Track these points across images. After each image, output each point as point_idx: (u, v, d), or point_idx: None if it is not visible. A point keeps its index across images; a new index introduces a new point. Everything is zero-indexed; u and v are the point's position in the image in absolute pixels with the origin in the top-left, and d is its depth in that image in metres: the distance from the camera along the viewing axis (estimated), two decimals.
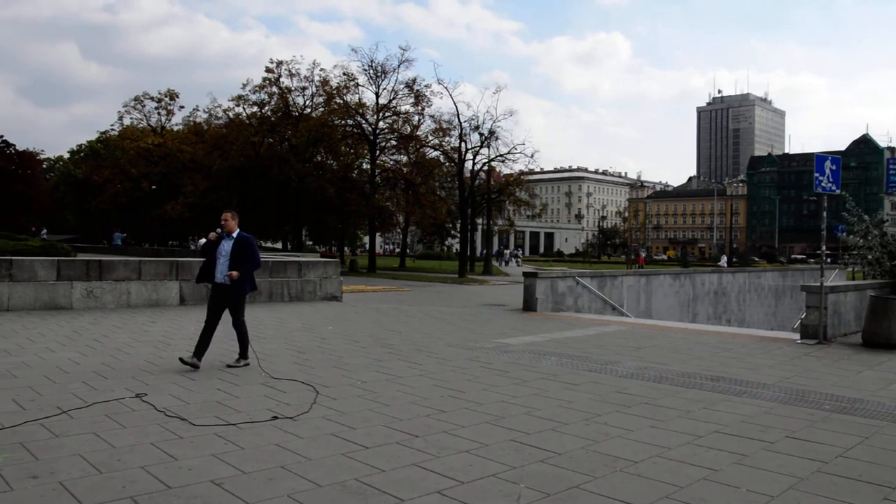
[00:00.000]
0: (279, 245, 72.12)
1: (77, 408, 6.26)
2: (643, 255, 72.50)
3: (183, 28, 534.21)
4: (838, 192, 13.08)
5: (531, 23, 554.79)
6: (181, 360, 8.35)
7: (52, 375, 7.78)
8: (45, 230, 63.13)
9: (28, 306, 14.12)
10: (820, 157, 12.83)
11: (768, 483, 4.74)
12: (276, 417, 6.14)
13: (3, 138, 52.77)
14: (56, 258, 15.55)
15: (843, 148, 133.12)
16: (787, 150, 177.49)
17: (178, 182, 55.88)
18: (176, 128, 67.33)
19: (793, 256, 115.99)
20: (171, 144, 61.80)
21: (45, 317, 13.17)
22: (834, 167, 12.83)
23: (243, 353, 8.65)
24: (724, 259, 65.64)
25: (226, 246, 8.42)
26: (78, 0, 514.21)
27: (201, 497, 4.25)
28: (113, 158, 65.95)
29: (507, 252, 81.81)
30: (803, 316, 13.20)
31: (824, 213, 13.13)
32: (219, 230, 8.48)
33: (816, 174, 12.66)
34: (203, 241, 8.37)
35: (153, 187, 61.47)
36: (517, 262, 72.30)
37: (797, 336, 12.89)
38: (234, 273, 8.28)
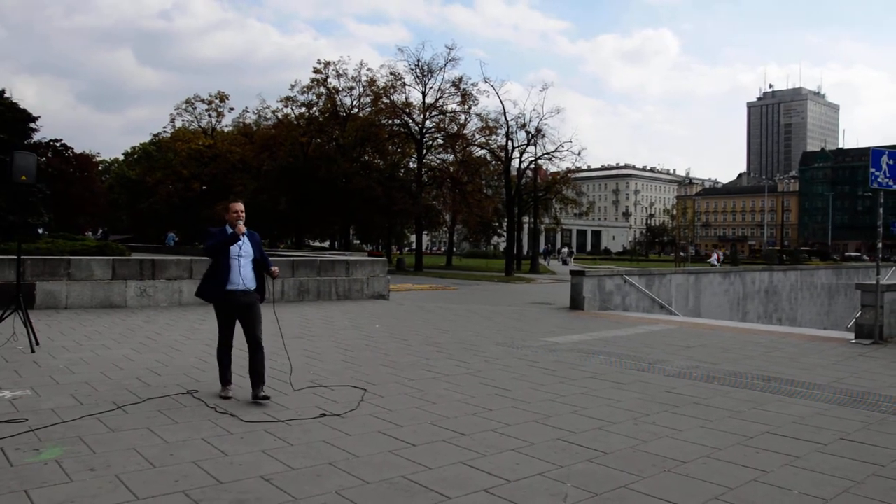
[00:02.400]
0: (326, 244, 72.87)
1: (131, 403, 6.42)
2: (719, 253, 70.57)
3: (234, 32, 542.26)
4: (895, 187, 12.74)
5: (578, 21, 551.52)
6: (221, 395, 6.81)
7: (108, 372, 7.98)
8: (101, 230, 64.69)
9: (85, 304, 14.50)
10: (876, 152, 12.49)
11: (821, 486, 4.64)
12: (324, 415, 6.22)
13: (62, 142, 54.07)
14: (111, 258, 15.96)
15: None
16: (841, 145, 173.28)
17: (227, 182, 56.69)
18: (226, 129, 68.30)
19: (846, 254, 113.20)
20: (221, 145, 62.73)
21: (100, 315, 13.50)
22: (891, 162, 12.48)
23: (263, 379, 6.80)
24: (715, 256, 64.39)
25: (245, 244, 6.79)
26: (135, 7, 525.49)
27: (251, 492, 4.33)
28: (165, 160, 67.18)
29: (564, 250, 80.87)
30: (858, 315, 12.88)
31: (880, 210, 12.79)
32: (240, 225, 6.70)
33: (872, 169, 12.34)
34: (217, 239, 6.56)
35: (204, 188, 62.45)
36: (571, 260, 71.42)
37: (851, 336, 12.58)
38: (277, 269, 6.90)
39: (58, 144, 53.16)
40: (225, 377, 6.89)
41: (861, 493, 4.54)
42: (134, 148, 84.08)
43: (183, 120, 67.55)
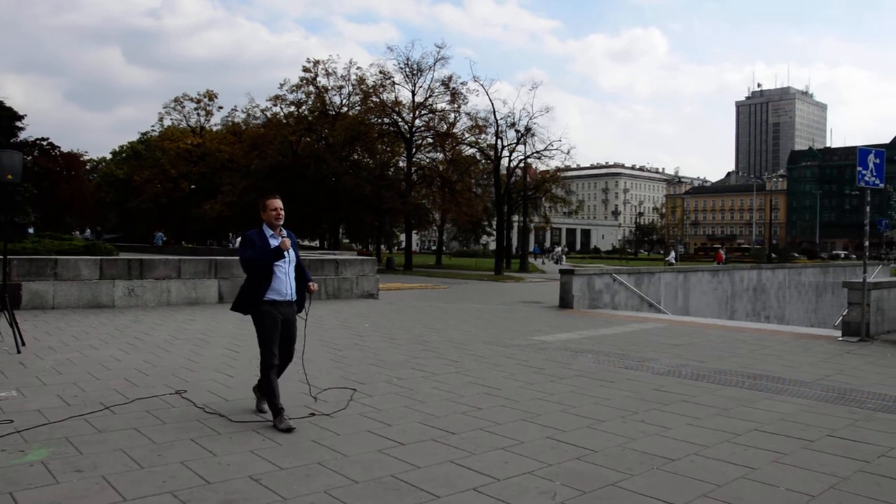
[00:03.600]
0: (316, 243, 72.68)
1: (119, 404, 6.38)
2: (722, 253, 70.57)
3: (224, 31, 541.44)
4: (882, 186, 12.82)
5: (567, 21, 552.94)
6: (282, 429, 5.63)
7: (96, 372, 7.94)
8: (91, 230, 64.36)
9: (72, 304, 14.42)
10: (863, 151, 12.58)
11: (808, 482, 4.67)
12: (312, 414, 6.20)
13: (49, 141, 53.84)
14: (99, 257, 15.88)
15: (887, 141, 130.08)
16: (828, 144, 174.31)
17: (216, 181, 56.50)
18: (215, 128, 68.04)
19: (834, 252, 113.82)
20: (210, 144, 62.50)
21: (87, 315, 13.44)
22: (878, 161, 12.58)
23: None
24: (673, 255, 64.71)
25: (291, 251, 5.90)
26: (123, 5, 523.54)
27: (239, 492, 4.31)
28: (153, 159, 66.93)
29: (558, 249, 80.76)
30: (845, 313, 12.96)
31: (867, 208, 12.88)
32: (285, 240, 5.79)
33: (859, 168, 12.43)
34: (257, 250, 5.56)
35: (192, 187, 62.23)
36: (565, 258, 71.33)
37: (839, 333, 12.66)
38: (314, 285, 6.20)
39: (44, 143, 52.96)
40: (278, 404, 5.73)
41: (847, 489, 4.56)
42: (122, 147, 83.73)
43: (171, 119, 67.35)
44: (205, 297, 16.23)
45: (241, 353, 9.46)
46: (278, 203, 5.84)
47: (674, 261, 57.78)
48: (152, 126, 71.71)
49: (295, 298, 5.98)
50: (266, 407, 5.93)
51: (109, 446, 5.13)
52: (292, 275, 5.91)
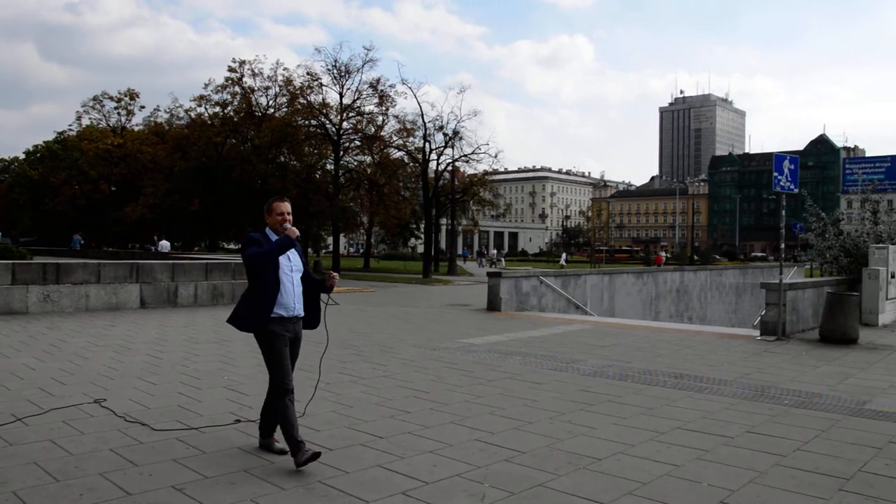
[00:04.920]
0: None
1: (33, 415, 6.12)
2: (662, 255, 71.81)
3: (148, 30, 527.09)
4: (797, 191, 13.31)
5: (495, 27, 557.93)
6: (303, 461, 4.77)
7: (6, 382, 7.60)
8: (8, 233, 61.82)
9: None
10: (779, 157, 13.05)
11: (729, 477, 4.80)
12: (238, 421, 6.08)
13: None
14: (11, 262, 15.22)
15: (799, 148, 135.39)
16: (747, 150, 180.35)
17: (138, 183, 55.08)
18: (136, 128, 66.29)
19: (753, 254, 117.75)
20: (132, 145, 60.84)
21: None
22: (792, 167, 13.06)
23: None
24: (564, 257, 66.69)
25: (294, 254, 5.15)
26: (37, 1, 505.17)
27: (163, 503, 4.19)
28: (71, 159, 64.78)
29: (494, 252, 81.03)
30: (763, 313, 13.41)
31: (783, 212, 13.35)
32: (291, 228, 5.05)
33: (776, 173, 12.88)
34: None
35: (112, 189, 60.46)
36: (503, 261, 71.73)
37: (757, 333, 13.09)
38: (336, 276, 5.35)
39: None
40: (297, 435, 4.87)
41: (765, 482, 4.71)
42: (37, 146, 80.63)
43: (90, 118, 65.18)
44: (126, 302, 15.75)
45: (164, 359, 9.23)
46: (286, 206, 5.10)
47: (564, 262, 59.66)
48: (70, 125, 69.42)
49: (303, 314, 5.19)
50: (276, 444, 5.18)
51: (21, 459, 4.91)
52: (299, 286, 5.14)
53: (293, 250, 5.07)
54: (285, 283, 5.00)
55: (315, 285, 5.29)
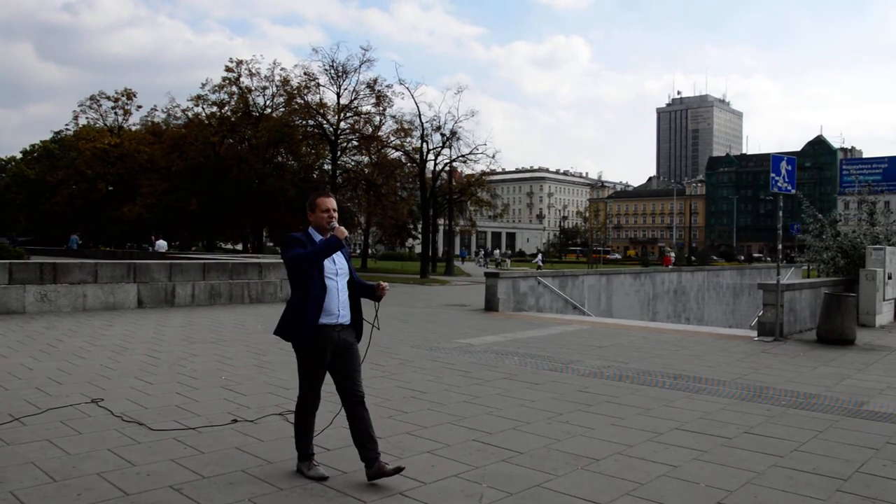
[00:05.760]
0: (239, 246, 71.45)
1: (30, 414, 6.11)
2: (671, 255, 71.36)
3: (145, 29, 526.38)
4: (794, 192, 13.33)
5: (492, 28, 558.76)
6: (311, 476, 4.70)
7: (4, 381, 7.59)
8: (6, 235, 61.69)
9: None
10: (776, 158, 13.06)
11: (726, 478, 4.80)
12: (235, 420, 6.07)
13: None
14: (8, 261, 15.20)
15: (796, 149, 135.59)
16: (744, 151, 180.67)
17: (135, 183, 55.04)
18: (133, 128, 66.23)
19: (752, 255, 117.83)
20: (129, 145, 60.79)
21: None
22: (789, 168, 13.07)
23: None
24: (540, 258, 66.64)
25: (339, 257, 4.70)
26: (35, 0, 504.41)
27: (160, 503, 4.18)
28: (68, 159, 64.68)
29: (497, 252, 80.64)
30: (760, 313, 13.43)
31: (780, 213, 13.36)
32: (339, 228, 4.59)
33: (773, 174, 12.89)
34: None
35: (110, 188, 60.36)
36: (508, 262, 71.55)
37: (754, 333, 13.10)
38: (385, 285, 4.90)
39: None
40: (308, 449, 4.80)
41: (762, 482, 4.72)
42: (33, 146, 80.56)
43: (87, 117, 65.15)
44: (123, 301, 15.73)
45: (162, 359, 9.22)
46: (332, 202, 4.67)
47: (541, 263, 59.77)
48: (66, 125, 69.29)
49: (349, 321, 4.73)
50: (387, 466, 4.61)
51: (18, 459, 4.91)
52: (345, 291, 4.70)
53: (339, 254, 4.64)
54: (331, 289, 4.57)
55: (363, 290, 4.83)
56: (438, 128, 47.69)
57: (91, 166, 60.94)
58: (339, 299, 4.62)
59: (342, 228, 4.55)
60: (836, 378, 8.74)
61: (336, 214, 4.68)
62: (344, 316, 4.66)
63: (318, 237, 4.64)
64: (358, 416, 4.66)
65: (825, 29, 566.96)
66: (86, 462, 4.89)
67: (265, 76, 51.44)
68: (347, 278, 4.72)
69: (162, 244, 37.19)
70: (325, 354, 4.63)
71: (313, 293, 4.51)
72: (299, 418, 4.80)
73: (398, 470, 4.57)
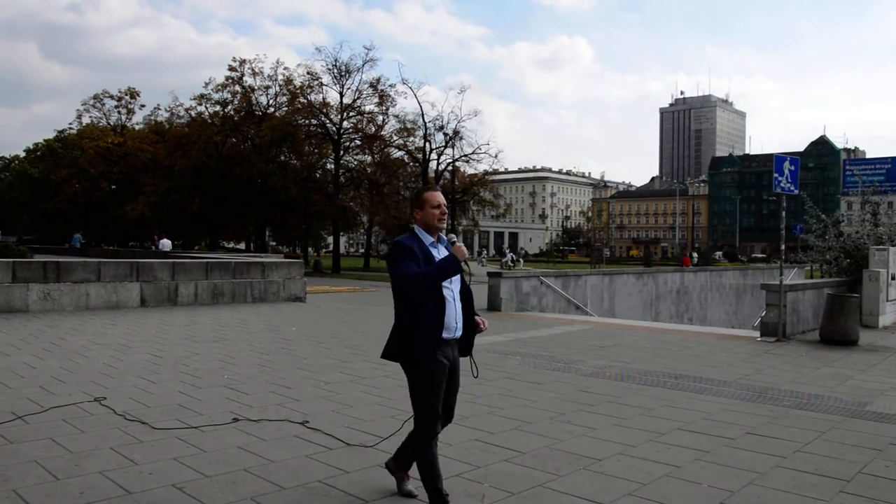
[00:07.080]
0: (242, 245, 71.44)
1: (33, 413, 6.12)
2: (693, 256, 70.66)
3: (150, 29, 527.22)
4: (797, 192, 13.31)
5: (495, 28, 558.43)
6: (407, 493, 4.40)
7: (7, 380, 7.60)
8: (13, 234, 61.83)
9: None
10: (779, 158, 13.04)
11: (729, 478, 4.79)
12: (237, 419, 6.07)
13: None
14: (11, 260, 15.23)
15: (799, 149, 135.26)
16: (747, 151, 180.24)
17: (138, 182, 55.01)
18: (137, 127, 66.20)
19: (754, 255, 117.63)
20: (132, 144, 60.74)
21: None
22: (793, 168, 13.05)
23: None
24: (510, 256, 66.24)
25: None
26: (40, 0, 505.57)
27: (162, 501, 4.18)
28: (71, 158, 64.67)
29: (509, 254, 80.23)
30: (763, 314, 13.41)
31: (783, 213, 13.35)
32: (459, 245, 4.07)
33: (776, 175, 12.88)
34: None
35: (113, 187, 60.38)
36: (521, 263, 71.19)
37: (757, 334, 13.09)
38: (485, 321, 4.49)
39: None
40: (442, 488, 4.11)
41: (765, 483, 4.71)
42: (37, 144, 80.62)
43: (91, 116, 65.10)
44: (126, 300, 15.75)
45: (165, 358, 9.23)
46: (442, 197, 4.21)
47: (511, 263, 59.80)
48: (70, 124, 69.22)
49: (461, 335, 4.25)
50: (407, 484, 4.40)
51: (21, 458, 4.91)
52: (460, 301, 4.20)
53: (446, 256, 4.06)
54: (448, 301, 4.08)
55: (469, 297, 4.30)
56: (441, 127, 47.82)
57: (94, 165, 60.97)
58: (456, 312, 4.14)
59: (462, 247, 4.02)
60: (838, 379, 8.73)
61: (447, 211, 4.25)
62: (459, 329, 4.19)
63: (425, 237, 4.13)
64: (436, 439, 4.20)
65: (826, 30, 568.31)
66: (88, 460, 4.89)
67: (268, 75, 51.41)
68: (460, 287, 4.24)
69: (165, 243, 37.15)
70: (446, 372, 4.14)
71: (433, 307, 4.02)
72: (422, 454, 4.12)
73: (410, 494, 4.35)
